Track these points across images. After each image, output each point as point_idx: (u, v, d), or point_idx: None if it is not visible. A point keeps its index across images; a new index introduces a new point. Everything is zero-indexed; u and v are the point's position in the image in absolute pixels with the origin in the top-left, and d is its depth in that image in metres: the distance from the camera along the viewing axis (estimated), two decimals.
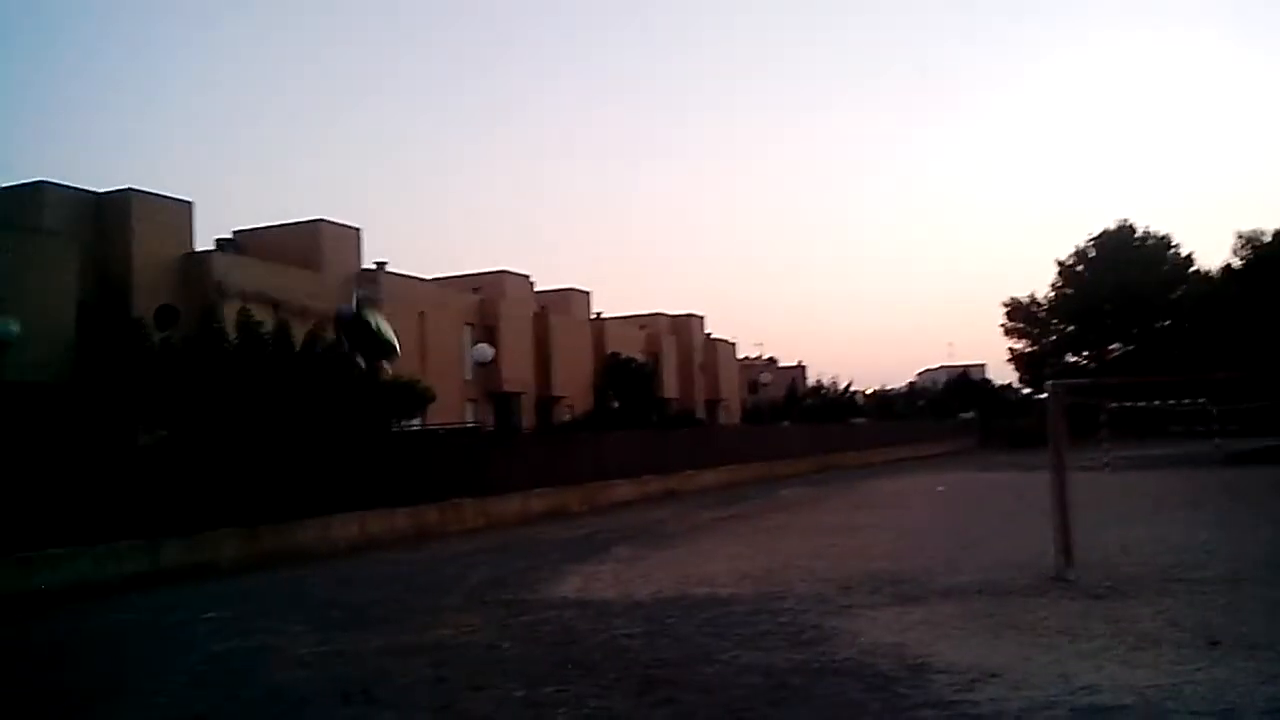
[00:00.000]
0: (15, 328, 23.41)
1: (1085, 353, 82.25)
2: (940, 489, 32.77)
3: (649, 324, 60.17)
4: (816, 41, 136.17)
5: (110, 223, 31.05)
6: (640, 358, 54.67)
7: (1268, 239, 60.72)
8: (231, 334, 22.40)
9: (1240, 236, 64.33)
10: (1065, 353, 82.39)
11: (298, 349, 22.97)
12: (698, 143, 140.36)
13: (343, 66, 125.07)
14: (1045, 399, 16.08)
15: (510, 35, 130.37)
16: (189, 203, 33.09)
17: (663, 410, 50.90)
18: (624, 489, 31.30)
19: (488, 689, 8.81)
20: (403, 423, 30.67)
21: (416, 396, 31.48)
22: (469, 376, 42.91)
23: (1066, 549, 13.65)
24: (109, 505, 16.54)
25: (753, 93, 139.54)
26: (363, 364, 17.24)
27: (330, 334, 25.87)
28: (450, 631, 11.68)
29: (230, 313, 23.13)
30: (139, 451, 19.09)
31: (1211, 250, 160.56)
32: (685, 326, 62.95)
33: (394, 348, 18.26)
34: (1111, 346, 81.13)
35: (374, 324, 18.10)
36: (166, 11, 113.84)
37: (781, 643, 10.16)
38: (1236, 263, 63.83)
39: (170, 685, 9.60)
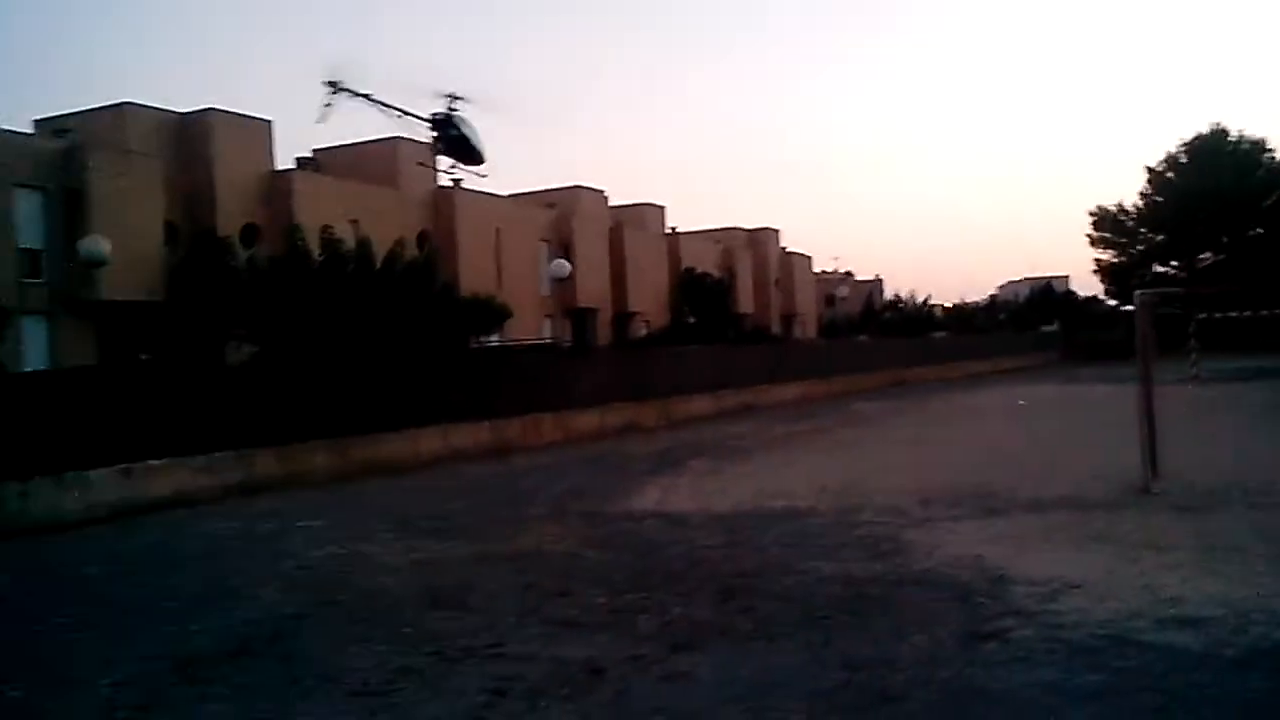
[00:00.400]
0: (107, 247, 24.08)
1: (1174, 263, 79.74)
2: (1021, 403, 32.35)
3: (724, 238, 59.77)
4: None
5: (193, 142, 31.60)
6: (715, 272, 54.44)
7: None
8: (314, 252, 22.74)
9: None
10: (1154, 263, 79.93)
11: (378, 266, 23.26)
12: (774, 54, 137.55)
13: None
14: (1132, 310, 15.71)
15: None
16: (268, 121, 33.51)
17: (738, 325, 50.77)
18: (700, 403, 31.41)
19: (571, 595, 9.04)
20: (481, 338, 31.08)
21: (494, 312, 31.83)
22: (545, 292, 43.18)
23: (1152, 462, 13.47)
24: (204, 419, 17.10)
25: (830, 4, 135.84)
26: (456, 168, 17.77)
27: (410, 251, 26.16)
28: (533, 541, 11.96)
29: (312, 230, 23.45)
30: (231, 367, 19.64)
31: None
32: (761, 241, 62.41)
33: (482, 156, 18.74)
34: (1202, 256, 78.53)
35: (464, 133, 18.57)
36: None
37: (859, 554, 10.23)
38: None
39: (268, 589, 10.01)
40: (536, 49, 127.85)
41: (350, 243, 24.14)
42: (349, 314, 20.89)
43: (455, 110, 19.64)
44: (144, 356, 24.27)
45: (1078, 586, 8.39)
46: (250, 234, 31.36)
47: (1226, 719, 5.53)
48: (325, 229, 23.32)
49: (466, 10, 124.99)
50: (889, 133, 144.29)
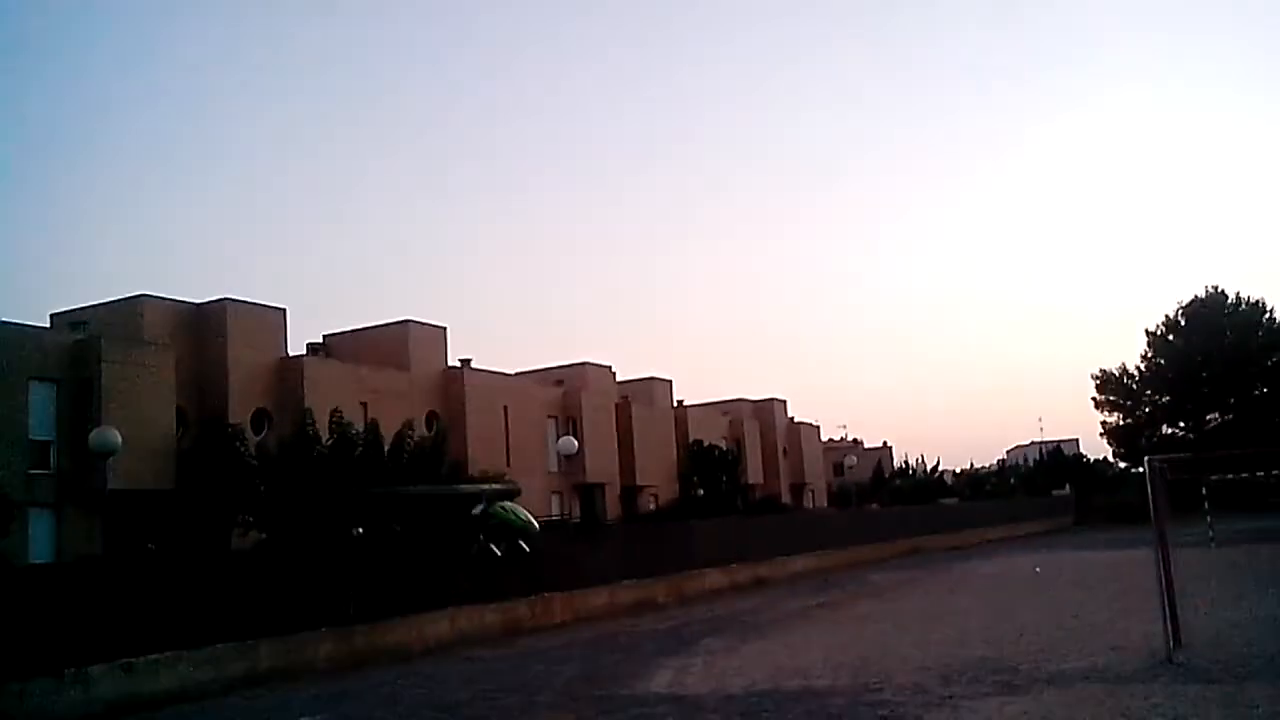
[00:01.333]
0: (117, 438, 24.27)
1: (1181, 424, 79.78)
2: (1037, 570, 31.84)
3: (731, 410, 60.09)
4: (895, 120, 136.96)
5: (207, 331, 32.26)
6: (723, 444, 54.52)
7: None
8: (324, 436, 22.91)
9: None
10: (1160, 424, 79.94)
11: (387, 448, 23.38)
12: (776, 227, 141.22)
13: (423, 167, 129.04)
14: (1143, 473, 15.65)
15: (585, 131, 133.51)
16: (281, 309, 34.26)
17: (747, 496, 50.54)
18: (712, 578, 30.96)
19: None
20: None
21: (502, 492, 31.72)
22: (553, 469, 43.17)
23: (1175, 630, 13.18)
24: (207, 608, 16.86)
25: (832, 175, 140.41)
26: (498, 552, 17.98)
27: (419, 432, 26.30)
28: None
29: (323, 414, 23.68)
30: (235, 555, 19.50)
31: None
32: (768, 411, 62.71)
33: (528, 526, 18.84)
34: (1209, 416, 78.59)
35: (501, 516, 18.74)
36: (248, 128, 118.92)
37: None
38: None
39: None
40: (538, 244, 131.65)
41: (360, 425, 24.35)
42: (356, 497, 20.86)
43: (485, 506, 20.21)
44: (151, 546, 24.15)
45: None
46: (260, 419, 31.64)
47: None
48: (334, 413, 23.56)
49: (465, 188, 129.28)
50: (892, 300, 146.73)
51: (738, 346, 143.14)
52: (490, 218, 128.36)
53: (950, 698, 11.63)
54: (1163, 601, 13.39)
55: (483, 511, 18.51)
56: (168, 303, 32.38)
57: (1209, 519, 38.73)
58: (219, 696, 15.65)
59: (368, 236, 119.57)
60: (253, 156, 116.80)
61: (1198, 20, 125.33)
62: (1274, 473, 43.93)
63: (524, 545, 18.04)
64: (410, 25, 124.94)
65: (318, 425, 23.20)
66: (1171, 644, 13.03)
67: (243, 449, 25.70)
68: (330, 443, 22.41)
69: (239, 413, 30.76)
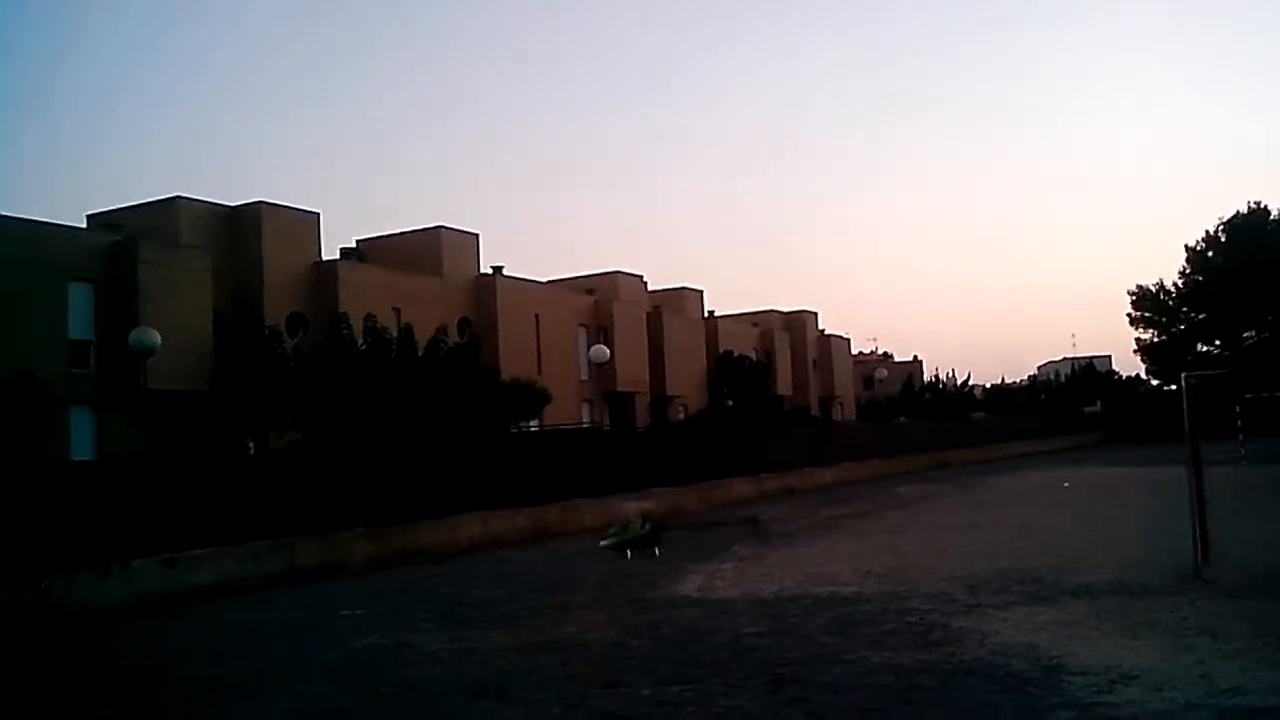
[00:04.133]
0: (156, 338, 24.55)
1: (1217, 341, 78.89)
2: (1066, 484, 31.89)
3: (762, 321, 59.94)
4: (928, 43, 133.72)
5: (242, 234, 32.34)
6: (754, 355, 54.51)
7: None
8: (358, 339, 23.07)
9: None
10: (1196, 342, 79.08)
11: (421, 352, 23.53)
12: (811, 138, 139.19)
13: (457, 75, 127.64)
14: (1176, 390, 15.54)
15: (618, 36, 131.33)
16: (315, 214, 34.27)
17: (777, 407, 50.65)
18: (740, 487, 31.24)
19: (616, 687, 8.95)
20: (521, 423, 31.19)
21: (534, 397, 32.00)
22: (585, 377, 43.37)
23: (1204, 545, 13.20)
24: (248, 507, 17.23)
25: (865, 90, 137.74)
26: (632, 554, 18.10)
27: (452, 337, 26.42)
28: (576, 629, 11.88)
29: (357, 318, 23.82)
30: (274, 455, 19.83)
31: None
32: (799, 323, 62.50)
33: (658, 536, 18.89)
34: (1246, 334, 77.63)
35: (622, 536, 18.84)
36: (285, 36, 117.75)
37: (909, 642, 10.07)
38: None
39: (311, 680, 10.00)
40: (572, 150, 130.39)
41: (394, 330, 24.46)
42: (390, 400, 21.09)
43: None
44: (190, 446, 24.62)
45: (1134, 676, 8.20)
46: (296, 322, 31.88)
47: None
48: (369, 317, 23.67)
49: (496, 93, 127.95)
50: (928, 216, 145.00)
51: (770, 259, 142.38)
52: (522, 126, 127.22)
53: (977, 606, 11.77)
54: (1193, 517, 13.40)
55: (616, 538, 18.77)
56: (203, 205, 32.43)
57: (1241, 437, 38.57)
58: (259, 591, 16.07)
59: (401, 143, 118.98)
60: (290, 61, 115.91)
61: None
62: None
63: (657, 551, 18.35)
64: None
65: (353, 329, 23.33)
66: (1199, 559, 13.08)
67: (279, 351, 25.91)
68: (365, 346, 22.56)
69: (274, 316, 30.99)
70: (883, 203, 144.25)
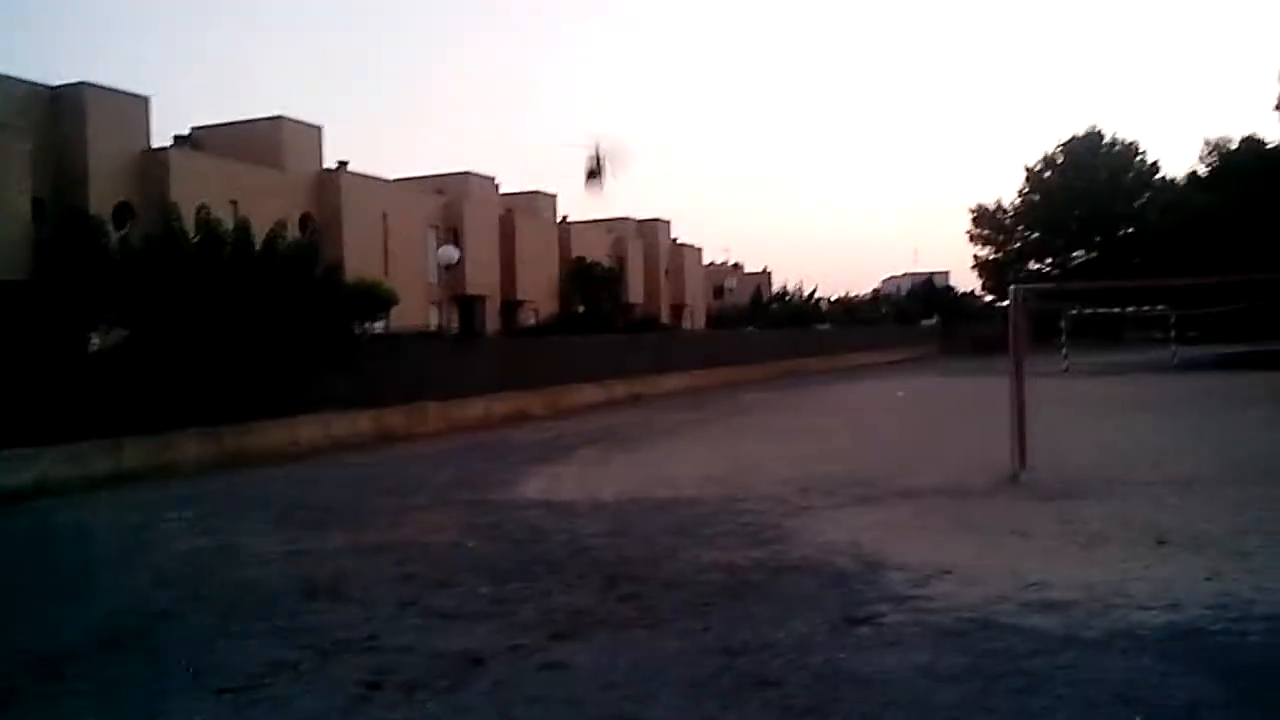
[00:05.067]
0: None
1: (1049, 260, 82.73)
2: (900, 394, 33.16)
3: (615, 228, 59.79)
4: None
5: (65, 117, 30.20)
6: (606, 262, 54.44)
7: (1235, 146, 60.73)
8: (191, 232, 21.98)
9: (1208, 143, 64.32)
10: (1029, 260, 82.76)
11: (258, 248, 22.60)
12: (666, 45, 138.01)
13: None
14: (1008, 305, 16.23)
15: None
16: (145, 98, 32.24)
17: (628, 315, 50.87)
18: (589, 393, 31.42)
19: (453, 586, 8.94)
20: (366, 325, 30.47)
21: (379, 299, 31.20)
22: (433, 279, 42.57)
23: (1022, 452, 13.94)
24: (71, 405, 16.43)
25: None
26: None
27: (293, 233, 25.46)
28: (414, 531, 11.80)
29: (190, 210, 22.68)
30: (99, 353, 18.91)
31: (1180, 157, 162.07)
32: (651, 231, 62.59)
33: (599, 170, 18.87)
34: (1075, 254, 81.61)
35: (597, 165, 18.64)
36: None
37: (742, 542, 10.35)
38: (1203, 170, 63.99)
39: (134, 582, 9.68)
40: (424, 43, 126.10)
41: (230, 224, 23.37)
42: (226, 298, 20.26)
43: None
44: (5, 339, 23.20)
45: (948, 572, 8.63)
46: (123, 213, 30.18)
47: (1086, 697, 5.73)
48: (201, 209, 22.55)
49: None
50: (779, 129, 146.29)
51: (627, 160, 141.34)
52: (368, 16, 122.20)
53: (808, 507, 12.17)
54: (1013, 425, 14.11)
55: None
56: (22, 84, 30.12)
57: (1064, 350, 40.75)
58: (85, 493, 15.43)
59: (242, 27, 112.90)
60: None
61: None
62: (1129, 308, 46.34)
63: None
64: None
65: (184, 222, 22.21)
66: (1018, 465, 13.80)
67: (105, 243, 24.50)
68: (197, 240, 21.51)
69: (101, 206, 29.21)
70: (737, 113, 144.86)
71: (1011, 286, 16.12)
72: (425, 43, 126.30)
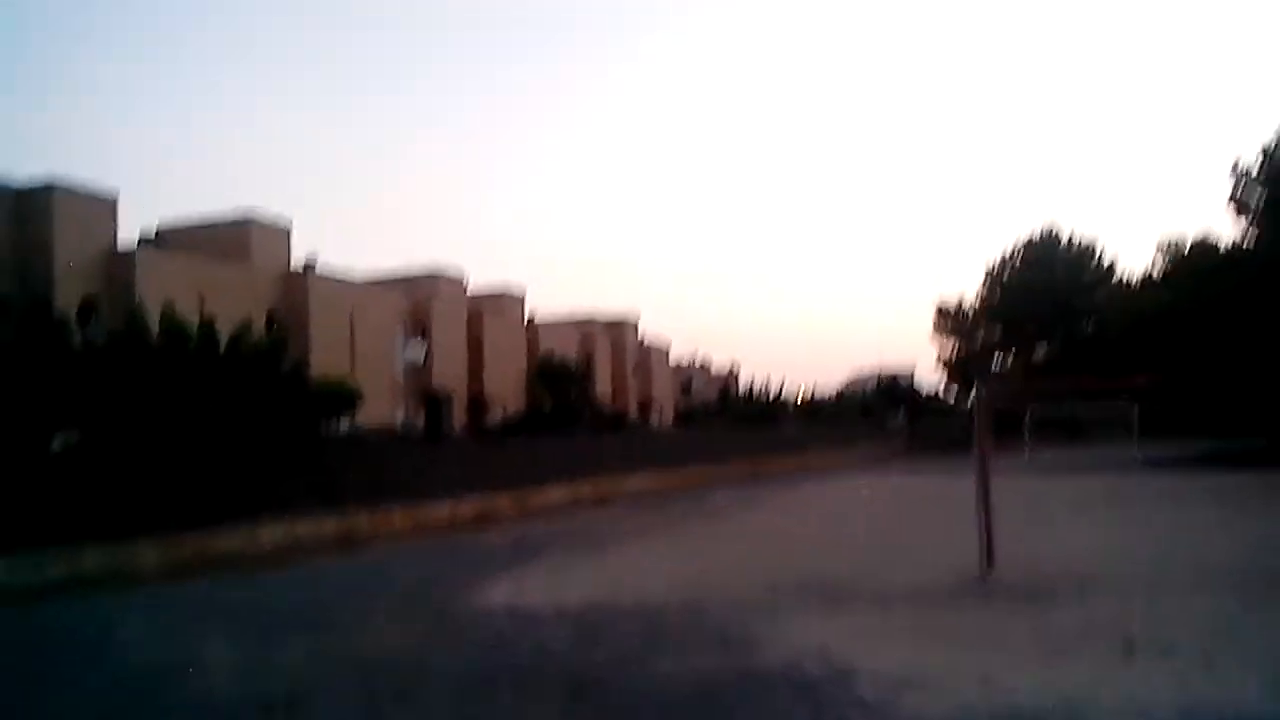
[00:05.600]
0: None
1: (1012, 357, 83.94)
2: (866, 493, 33.18)
3: (583, 326, 60.14)
4: (760, 52, 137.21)
5: (31, 217, 30.25)
6: (574, 358, 54.63)
7: (1188, 246, 62.20)
8: (155, 330, 21.91)
9: (1160, 248, 65.98)
10: (992, 357, 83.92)
11: (223, 347, 22.54)
12: (638, 144, 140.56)
13: (273, 53, 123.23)
14: (972, 403, 16.42)
15: (442, 32, 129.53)
16: (113, 198, 32.34)
17: (595, 413, 50.86)
18: (555, 493, 31.21)
19: (414, 700, 8.74)
20: (331, 424, 30.29)
21: (344, 397, 31.10)
22: (400, 377, 42.51)
23: (989, 553, 13.93)
24: (29, 510, 16.12)
25: (690, 98, 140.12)
26: None
27: (259, 331, 25.41)
28: (376, 639, 11.58)
29: (156, 309, 22.64)
30: (57, 456, 18.65)
31: (1138, 251, 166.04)
32: (619, 330, 63.01)
33: None
34: (1037, 351, 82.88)
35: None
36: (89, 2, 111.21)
37: (710, 648, 10.22)
38: (1157, 273, 65.50)
39: (88, 693, 9.40)
40: (393, 119, 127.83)
41: (196, 322, 23.33)
42: (189, 397, 20.12)
43: None
44: None
45: (918, 680, 8.55)
46: (88, 312, 30.06)
47: None
48: (166, 307, 22.52)
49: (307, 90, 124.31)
50: (749, 225, 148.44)
51: (595, 260, 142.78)
52: (340, 109, 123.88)
53: (776, 611, 12.05)
54: (979, 525, 14.13)
55: None
56: None
57: (1028, 447, 41.06)
58: (41, 600, 15.04)
59: (210, 121, 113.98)
60: (90, 28, 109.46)
61: None
62: (1091, 405, 46.90)
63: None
64: None
65: (150, 320, 22.15)
66: (985, 565, 13.79)
67: (69, 342, 24.36)
68: (162, 340, 21.43)
69: (67, 305, 29.11)
70: (708, 211, 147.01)
71: (975, 385, 16.30)
72: (394, 137, 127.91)
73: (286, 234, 38.83)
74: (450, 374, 45.28)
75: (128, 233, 33.76)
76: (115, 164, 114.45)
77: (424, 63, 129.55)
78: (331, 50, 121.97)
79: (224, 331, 23.16)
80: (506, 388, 49.29)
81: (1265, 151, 50.31)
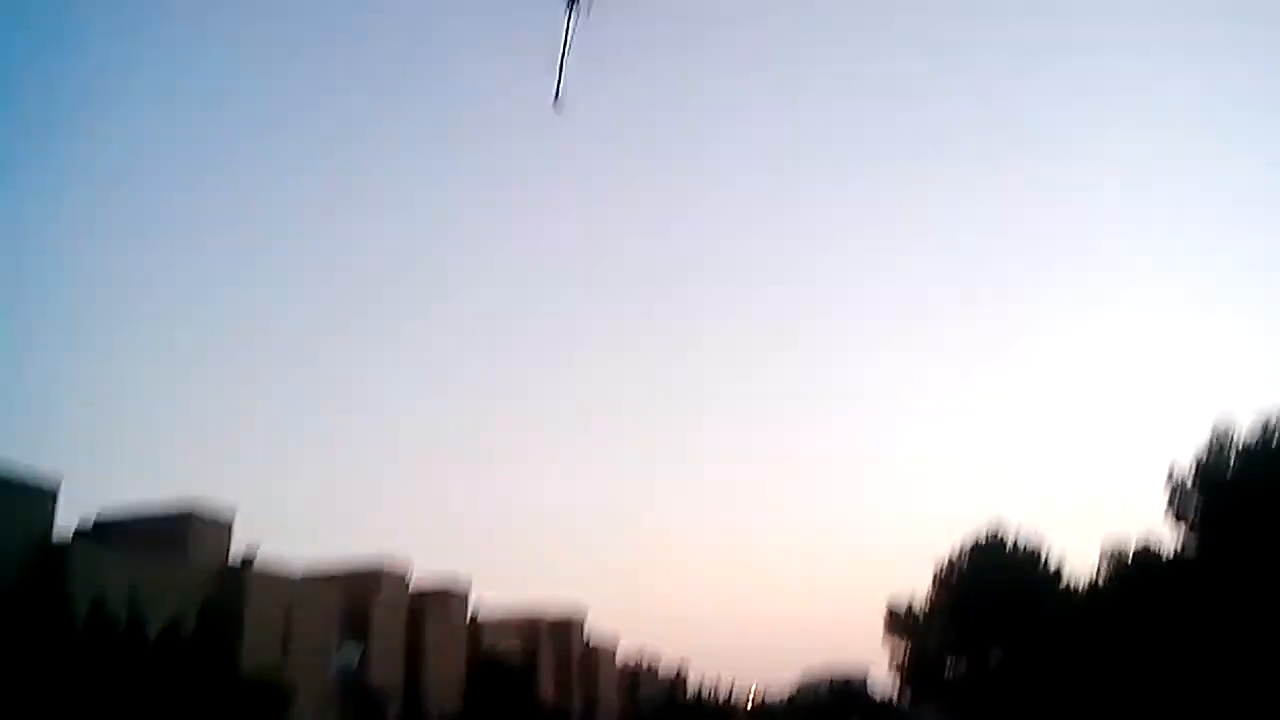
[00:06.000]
0: None
1: (964, 660, 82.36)
2: None
3: (527, 626, 58.76)
4: (701, 342, 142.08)
5: None
6: (517, 655, 52.98)
7: (1131, 552, 62.73)
8: (82, 626, 21.20)
9: (1104, 555, 66.43)
10: (945, 659, 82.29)
11: (151, 642, 21.75)
12: (583, 435, 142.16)
13: (212, 340, 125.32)
14: (924, 708, 16.10)
15: (377, 321, 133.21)
16: (53, 488, 31.72)
17: (538, 714, 48.83)
18: None
19: None
20: None
21: (277, 697, 29.77)
22: (334, 678, 40.83)
23: None
24: None
25: (639, 391, 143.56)
26: None
27: (190, 625, 24.58)
28: None
29: (88, 601, 21.99)
30: None
31: (1083, 553, 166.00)
32: (565, 628, 61.58)
33: None
34: (989, 654, 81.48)
35: None
36: (26, 285, 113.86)
37: None
38: (1101, 582, 65.70)
39: None
40: (336, 429, 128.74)
41: (129, 615, 22.61)
42: (112, 695, 19.20)
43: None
44: None
45: None
46: (18, 601, 28.98)
47: None
48: (95, 603, 21.88)
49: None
50: (699, 522, 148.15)
51: (541, 550, 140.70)
52: (293, 398, 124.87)
53: None
54: None
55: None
56: None
57: None
58: None
59: (150, 411, 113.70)
60: (30, 321, 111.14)
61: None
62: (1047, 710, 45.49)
63: None
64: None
65: (80, 613, 21.46)
66: None
67: None
68: (87, 631, 20.70)
69: None
70: (655, 504, 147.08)
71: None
72: (345, 425, 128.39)
73: (228, 527, 38.29)
74: (388, 674, 43.63)
75: (68, 519, 33.11)
76: (62, 447, 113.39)
77: (375, 350, 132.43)
78: (285, 343, 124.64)
79: (156, 625, 22.45)
80: (447, 685, 47.48)
81: (1198, 461, 51.49)
